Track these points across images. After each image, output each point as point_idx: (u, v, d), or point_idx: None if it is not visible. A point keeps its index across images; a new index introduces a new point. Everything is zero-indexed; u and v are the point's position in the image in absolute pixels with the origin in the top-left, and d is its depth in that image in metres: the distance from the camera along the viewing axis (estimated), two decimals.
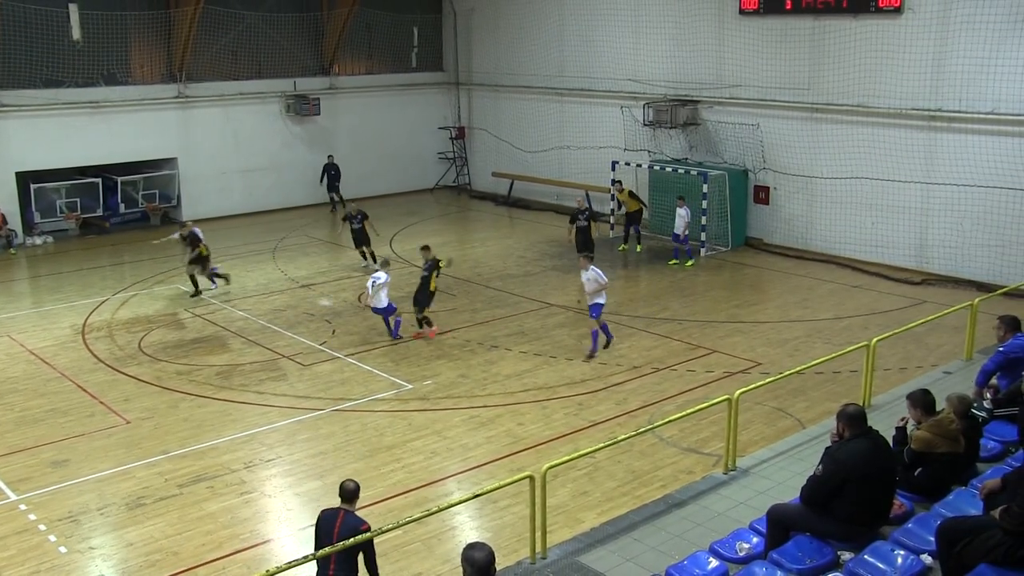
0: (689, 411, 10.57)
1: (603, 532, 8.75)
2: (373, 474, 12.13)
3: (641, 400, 14.44)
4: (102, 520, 11.23)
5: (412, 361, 16.34)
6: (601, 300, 16.31)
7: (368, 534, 7.78)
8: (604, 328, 16.55)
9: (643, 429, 10.58)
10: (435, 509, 8.61)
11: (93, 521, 11.20)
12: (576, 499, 11.36)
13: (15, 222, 25.65)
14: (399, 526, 8.42)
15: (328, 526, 7.88)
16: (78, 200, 26.70)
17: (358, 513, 8.13)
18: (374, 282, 17.08)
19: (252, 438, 13.39)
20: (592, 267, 16.37)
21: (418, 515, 8.44)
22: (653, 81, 26.03)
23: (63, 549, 10.59)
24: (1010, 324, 10.71)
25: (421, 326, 17.26)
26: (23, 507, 11.54)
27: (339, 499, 8.15)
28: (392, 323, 17.53)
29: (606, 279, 16.41)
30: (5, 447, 13.24)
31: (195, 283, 20.47)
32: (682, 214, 22.23)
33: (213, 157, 28.40)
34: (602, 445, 10.06)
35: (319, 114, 29.70)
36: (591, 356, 16.21)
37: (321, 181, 29.52)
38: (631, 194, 23.53)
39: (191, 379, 15.69)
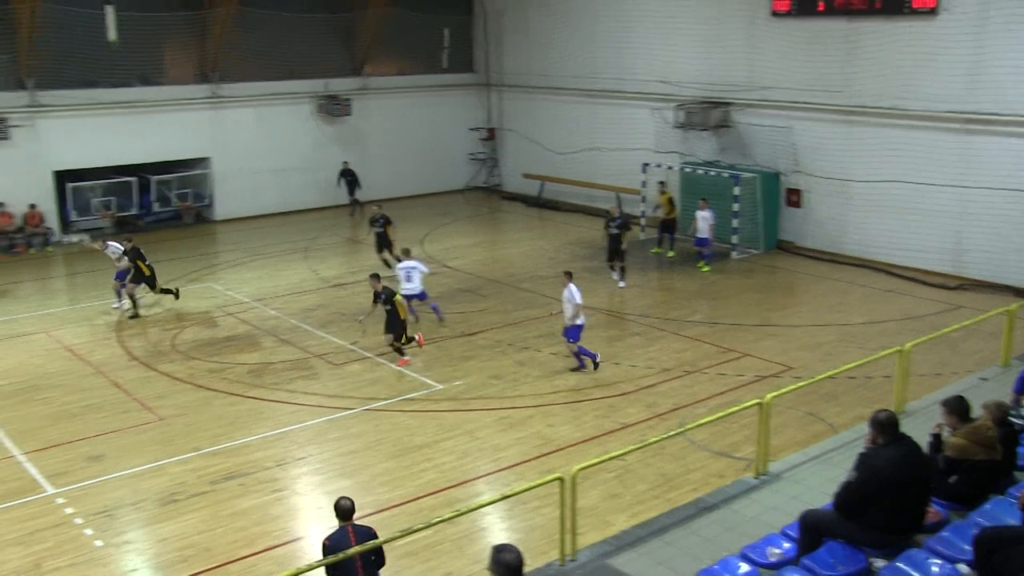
0: (720, 414, 10.52)
1: (633, 535, 8.73)
2: (403, 474, 12.19)
3: (672, 403, 14.39)
4: (136, 515, 11.37)
5: (443, 362, 16.39)
6: (579, 322, 15.47)
7: (381, 540, 7.82)
8: (580, 353, 15.62)
9: (674, 432, 10.54)
10: (465, 509, 8.63)
11: (127, 516, 11.35)
12: (606, 501, 11.35)
13: (52, 220, 26.03)
14: (429, 526, 8.46)
15: (344, 543, 7.81)
16: (113, 199, 27.03)
17: (362, 522, 8.16)
18: (409, 272, 17.34)
19: (283, 436, 13.49)
20: (570, 285, 15.43)
21: (448, 515, 8.47)
22: (684, 83, 25.92)
23: (99, 543, 10.74)
24: None
25: (402, 353, 16.26)
26: (60, 500, 11.71)
27: (339, 518, 8.05)
28: (431, 306, 18.14)
29: (579, 300, 15.38)
30: (43, 441, 13.44)
31: (135, 303, 19.35)
32: (706, 216, 22.11)
33: (246, 157, 28.63)
34: (632, 448, 10.03)
35: (351, 115, 29.87)
36: (576, 369, 15.69)
37: (338, 185, 29.70)
38: (671, 201, 23.42)
39: (223, 377, 15.83)
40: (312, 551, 10.34)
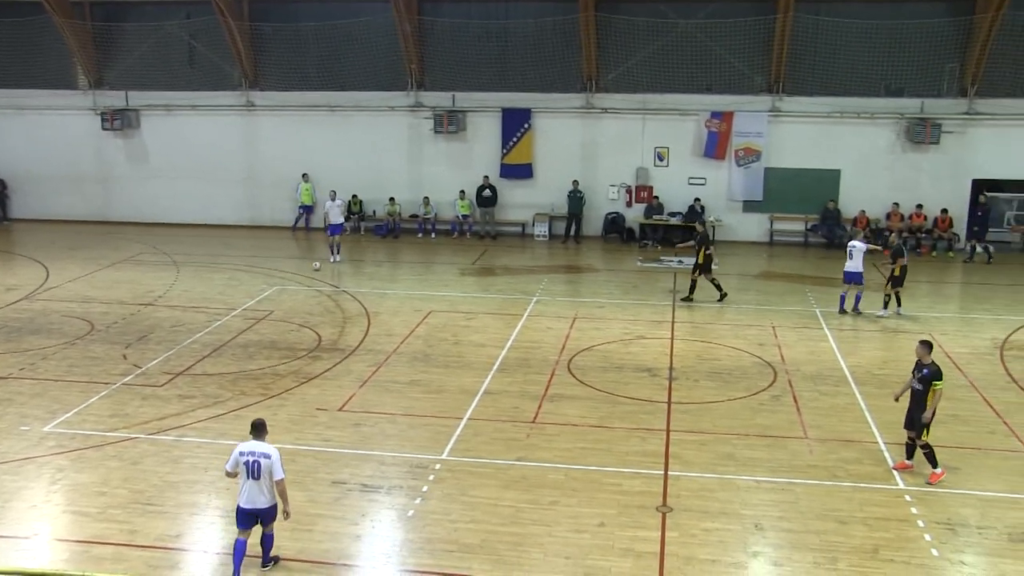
0: None
1: None
2: None
3: None
4: (978, 539, 10.82)
5: None
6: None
7: None
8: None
9: None
10: None
11: (969, 537, 10.85)
12: None
13: (959, 227, 26.13)
14: None
15: None
16: None
17: None
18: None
19: None
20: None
21: None
22: None
23: (935, 552, 10.52)
24: None
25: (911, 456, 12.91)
26: (908, 498, 11.78)
27: None
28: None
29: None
30: (901, 436, 12.83)
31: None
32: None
33: None
34: None
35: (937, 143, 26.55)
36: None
37: None
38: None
39: None
40: None
